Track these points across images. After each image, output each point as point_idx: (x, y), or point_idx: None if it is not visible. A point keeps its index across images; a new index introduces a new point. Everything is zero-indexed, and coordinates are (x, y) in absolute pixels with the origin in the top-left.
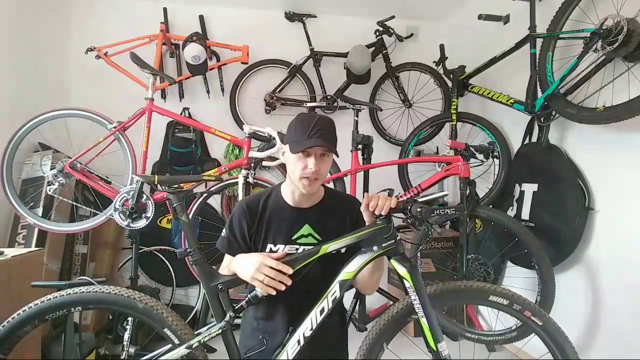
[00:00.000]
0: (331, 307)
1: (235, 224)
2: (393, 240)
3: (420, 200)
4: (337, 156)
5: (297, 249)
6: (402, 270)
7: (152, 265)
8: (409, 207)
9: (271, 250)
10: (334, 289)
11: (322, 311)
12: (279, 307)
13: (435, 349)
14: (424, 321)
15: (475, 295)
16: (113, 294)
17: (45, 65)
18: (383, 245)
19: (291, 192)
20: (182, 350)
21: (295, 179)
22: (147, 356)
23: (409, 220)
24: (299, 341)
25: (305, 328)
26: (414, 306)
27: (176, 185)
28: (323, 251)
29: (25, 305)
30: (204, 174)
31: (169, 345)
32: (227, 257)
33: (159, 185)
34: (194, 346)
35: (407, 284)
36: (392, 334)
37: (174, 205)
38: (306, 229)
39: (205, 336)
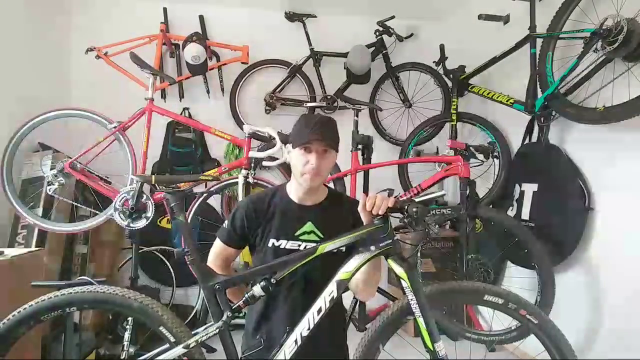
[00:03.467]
0: (329, 307)
1: (238, 217)
2: (390, 240)
3: (417, 200)
4: (337, 152)
5: (299, 245)
6: (399, 270)
7: (152, 265)
8: (406, 207)
9: (274, 245)
10: (332, 288)
11: (319, 311)
12: (278, 307)
13: (432, 348)
14: (420, 321)
15: (470, 295)
16: (108, 293)
17: (46, 65)
18: (380, 245)
19: (295, 189)
20: (179, 350)
21: (297, 175)
22: (144, 356)
23: (406, 220)
24: (296, 341)
25: (303, 328)
26: (411, 306)
27: (174, 185)
28: (320, 251)
29: (21, 307)
30: (202, 174)
31: (166, 345)
32: (217, 243)
33: (157, 185)
34: (191, 346)
35: (404, 284)
36: (388, 335)
37: (172, 205)
38: (309, 226)
39: (203, 336)
